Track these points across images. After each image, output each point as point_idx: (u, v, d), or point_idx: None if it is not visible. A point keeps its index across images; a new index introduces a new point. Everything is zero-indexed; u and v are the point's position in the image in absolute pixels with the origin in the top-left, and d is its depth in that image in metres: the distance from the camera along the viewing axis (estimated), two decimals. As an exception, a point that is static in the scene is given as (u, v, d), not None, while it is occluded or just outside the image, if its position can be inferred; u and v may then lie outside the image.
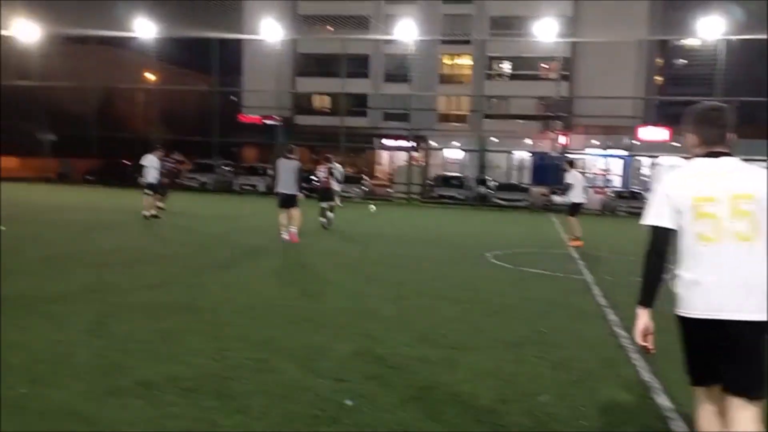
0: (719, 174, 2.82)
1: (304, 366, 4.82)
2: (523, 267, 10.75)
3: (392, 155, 44.51)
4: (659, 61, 47.43)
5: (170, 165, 19.87)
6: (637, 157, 38.82)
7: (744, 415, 2.76)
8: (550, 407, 4.24)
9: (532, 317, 6.97)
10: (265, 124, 42.48)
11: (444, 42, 42.19)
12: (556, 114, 36.95)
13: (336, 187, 16.38)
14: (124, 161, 33.02)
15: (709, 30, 29.82)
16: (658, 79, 47.47)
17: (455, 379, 4.71)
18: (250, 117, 44.02)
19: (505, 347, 5.68)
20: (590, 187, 24.63)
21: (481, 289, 8.67)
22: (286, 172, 12.82)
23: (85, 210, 18.31)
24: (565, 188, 15.13)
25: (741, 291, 2.73)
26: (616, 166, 40.82)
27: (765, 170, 2.81)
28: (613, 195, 32.47)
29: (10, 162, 33.35)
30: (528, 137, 40.60)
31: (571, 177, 14.60)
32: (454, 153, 43.46)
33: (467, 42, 42.83)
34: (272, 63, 41.03)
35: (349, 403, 4.13)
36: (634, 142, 37.20)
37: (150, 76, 43.48)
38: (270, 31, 33.84)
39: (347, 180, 24.94)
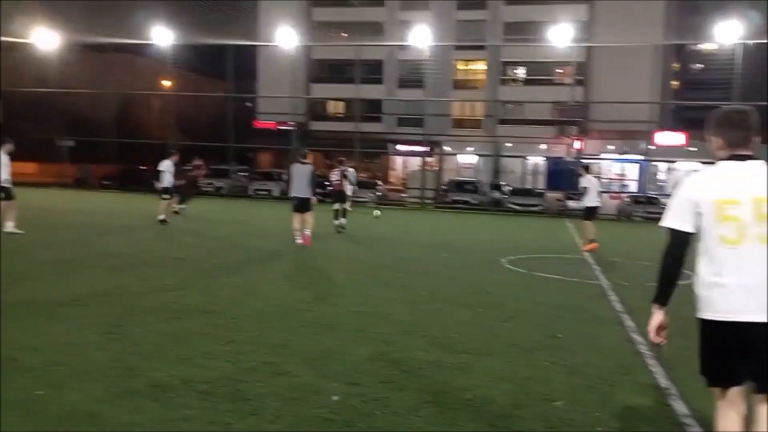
0: (743, 177, 2.81)
1: (318, 370, 4.82)
2: (538, 272, 10.68)
3: (406, 160, 44.54)
4: (675, 65, 47.03)
5: (191, 173, 19.97)
6: (653, 162, 38.49)
7: None
8: (565, 413, 4.20)
9: (546, 322, 6.92)
10: (279, 129, 42.70)
11: (458, 48, 42.24)
12: (571, 119, 36.74)
13: (349, 190, 16.42)
14: (141, 167, 33.36)
15: (726, 34, 29.46)
16: (675, 83, 47.08)
17: (469, 383, 4.69)
18: (265, 123, 44.30)
19: (519, 352, 5.64)
20: (605, 192, 24.48)
21: (495, 293, 8.63)
22: (300, 177, 12.90)
23: (102, 214, 18.48)
24: (580, 193, 15.19)
25: (763, 293, 2.71)
26: (632, 171, 40.50)
27: None
28: (629, 200, 32.19)
29: (28, 167, 33.76)
30: (543, 142, 40.43)
31: (586, 181, 14.73)
32: (468, 158, 43.39)
33: (481, 48, 42.83)
34: (287, 69, 41.24)
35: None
36: (650, 147, 36.86)
37: (167, 83, 43.93)
38: (285, 37, 34.01)
39: (361, 185, 25.00)
